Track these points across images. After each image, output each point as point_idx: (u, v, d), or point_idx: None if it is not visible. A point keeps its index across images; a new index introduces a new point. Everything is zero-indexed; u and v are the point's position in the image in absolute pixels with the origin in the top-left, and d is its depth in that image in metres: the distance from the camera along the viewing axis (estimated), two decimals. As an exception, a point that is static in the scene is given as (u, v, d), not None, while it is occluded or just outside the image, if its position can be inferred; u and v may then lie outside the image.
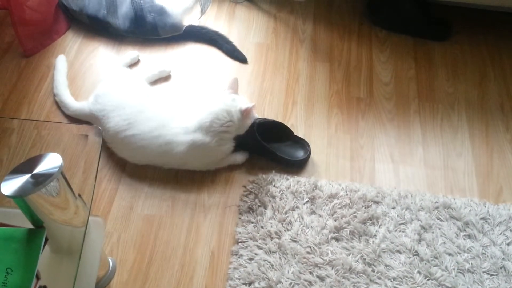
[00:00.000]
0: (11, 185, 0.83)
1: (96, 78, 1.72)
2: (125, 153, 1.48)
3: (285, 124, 1.60)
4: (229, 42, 1.87)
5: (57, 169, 0.85)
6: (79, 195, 0.93)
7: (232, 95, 1.51)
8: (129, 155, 1.48)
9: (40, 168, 0.85)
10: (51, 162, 0.86)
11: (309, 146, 1.55)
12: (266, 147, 1.50)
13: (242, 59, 1.84)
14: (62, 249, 0.96)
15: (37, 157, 0.86)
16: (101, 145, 1.49)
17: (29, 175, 0.84)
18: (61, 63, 1.73)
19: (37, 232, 0.91)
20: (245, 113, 1.46)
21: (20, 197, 0.83)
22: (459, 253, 1.32)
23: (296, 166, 1.52)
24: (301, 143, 1.56)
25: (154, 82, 1.72)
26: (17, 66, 1.76)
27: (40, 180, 0.83)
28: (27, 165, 0.85)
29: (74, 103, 1.59)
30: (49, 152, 0.87)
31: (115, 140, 1.46)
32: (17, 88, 1.70)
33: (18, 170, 0.85)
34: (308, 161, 1.54)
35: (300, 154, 1.54)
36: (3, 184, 0.83)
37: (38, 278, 0.90)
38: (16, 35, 1.75)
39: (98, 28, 1.85)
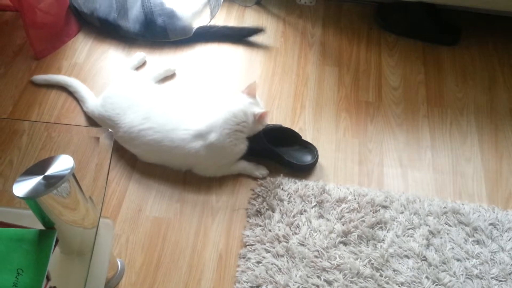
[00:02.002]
0: (23, 187, 0.84)
1: (106, 80, 1.74)
2: (138, 148, 1.48)
3: (294, 128, 1.60)
4: (241, 29, 1.90)
5: (69, 171, 0.85)
6: (90, 197, 0.93)
7: (250, 98, 1.52)
8: (142, 150, 1.48)
9: (52, 170, 0.86)
10: (62, 164, 0.87)
11: (317, 151, 1.55)
12: (274, 151, 1.50)
13: (259, 30, 1.91)
14: (73, 250, 0.97)
15: (49, 159, 0.87)
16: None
17: (41, 176, 0.85)
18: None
19: (48, 233, 0.92)
20: (258, 118, 1.46)
21: (32, 198, 0.84)
22: (468, 259, 1.32)
23: (304, 171, 1.52)
24: (309, 148, 1.56)
25: (160, 81, 1.74)
26: (28, 68, 1.78)
27: (52, 182, 0.84)
28: (39, 167, 0.86)
29: (90, 101, 1.60)
30: (61, 154, 0.88)
31: (130, 135, 1.46)
32: (28, 90, 1.71)
33: (30, 172, 0.86)
34: (315, 165, 1.54)
35: (308, 158, 1.54)
36: (15, 185, 0.84)
37: (48, 279, 0.90)
38: (27, 38, 1.77)
39: (109, 31, 1.87)
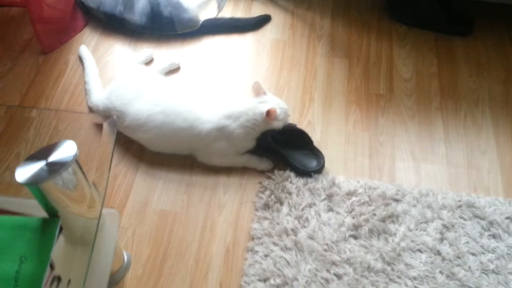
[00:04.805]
0: (26, 172, 0.82)
1: (113, 75, 1.72)
2: (147, 134, 1.46)
3: (302, 121, 1.57)
4: (248, 19, 1.90)
5: (72, 157, 0.83)
6: (94, 184, 0.91)
7: (264, 96, 1.49)
8: (152, 135, 1.46)
9: (55, 156, 0.84)
10: (66, 150, 0.85)
11: (323, 160, 1.48)
12: (278, 151, 1.46)
13: (267, 19, 1.93)
14: (76, 239, 0.95)
15: (52, 145, 0.85)
16: (116, 139, 1.49)
17: (44, 162, 0.83)
18: (85, 52, 1.75)
19: (51, 221, 0.90)
20: (267, 116, 1.42)
21: (34, 184, 0.82)
22: (483, 253, 1.28)
23: (306, 176, 1.45)
24: (317, 155, 1.50)
25: (165, 75, 1.72)
26: (35, 63, 1.77)
27: (55, 168, 0.82)
28: (42, 153, 0.84)
29: (95, 95, 1.59)
30: (65, 140, 0.86)
31: (138, 122, 1.45)
32: (34, 84, 1.70)
33: (33, 158, 0.84)
34: (320, 173, 1.47)
35: (312, 164, 1.48)
36: (17, 171, 0.82)
37: (52, 267, 0.88)
38: (34, 33, 1.76)
39: (115, 24, 1.85)
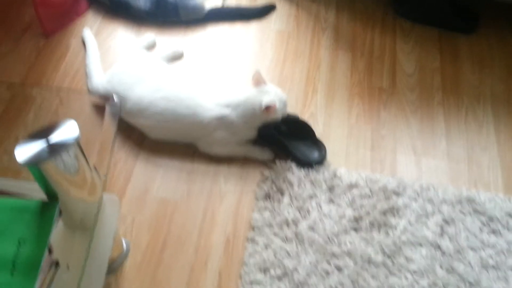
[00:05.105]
0: (25, 152, 0.80)
1: (115, 59, 1.69)
2: (148, 119, 1.44)
3: (305, 113, 1.56)
4: (252, 8, 1.90)
5: (74, 139, 0.82)
6: (95, 167, 0.90)
7: (264, 86, 1.45)
8: (152, 121, 1.44)
9: (56, 136, 0.82)
10: (67, 131, 0.83)
11: (325, 151, 1.48)
12: (280, 141, 1.45)
13: (271, 8, 1.92)
14: (76, 223, 0.94)
15: (53, 124, 0.84)
16: (118, 124, 1.47)
17: (45, 142, 0.81)
18: (88, 35, 1.73)
19: (50, 205, 0.89)
20: (265, 110, 1.39)
21: (34, 165, 0.80)
22: (483, 249, 1.27)
23: (307, 167, 1.44)
24: (319, 146, 1.49)
25: (168, 62, 1.70)
26: (35, 46, 1.74)
27: (56, 148, 0.81)
28: (43, 132, 0.83)
29: (96, 79, 1.57)
30: (66, 120, 0.85)
31: (139, 106, 1.43)
32: (35, 68, 1.68)
33: (33, 137, 0.82)
34: (321, 164, 1.46)
35: (314, 155, 1.47)
36: (17, 149, 0.80)
37: (50, 251, 0.87)
38: (36, 15, 1.73)
39: (118, 9, 1.83)
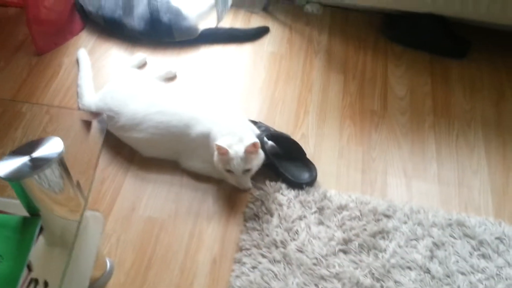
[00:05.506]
0: (7, 167, 0.79)
1: (107, 79, 1.70)
2: (141, 133, 1.43)
3: (296, 134, 1.56)
4: (246, 30, 1.91)
5: (57, 154, 0.81)
6: (78, 183, 0.89)
7: (240, 133, 1.37)
8: (145, 135, 1.43)
9: (39, 152, 0.82)
10: (51, 146, 0.83)
11: (316, 172, 1.47)
12: (271, 161, 1.44)
13: (266, 30, 1.94)
14: (56, 240, 0.92)
15: (38, 140, 0.83)
16: (106, 142, 1.46)
17: (28, 158, 0.81)
18: (83, 55, 1.74)
19: (31, 221, 0.87)
20: (218, 148, 1.34)
21: (15, 180, 0.79)
22: (473, 273, 1.26)
23: (297, 188, 1.43)
24: (309, 167, 1.49)
25: (162, 82, 1.71)
26: (28, 64, 1.75)
27: (38, 164, 0.80)
28: (27, 148, 0.82)
29: (87, 98, 1.57)
30: (51, 136, 0.84)
31: (133, 122, 1.44)
32: (26, 85, 1.68)
33: (17, 152, 0.82)
34: (311, 185, 1.44)
35: (305, 176, 1.46)
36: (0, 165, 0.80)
37: (30, 269, 0.85)
38: (30, 33, 1.75)
39: (113, 29, 1.85)
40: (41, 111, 1.48)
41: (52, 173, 0.81)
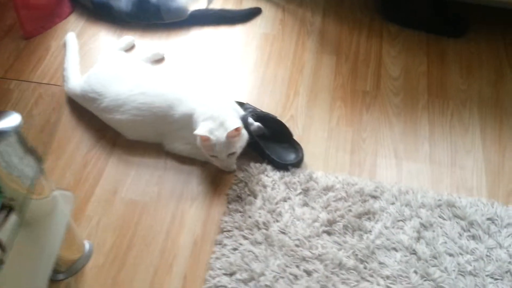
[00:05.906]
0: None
1: (95, 62, 1.68)
2: (125, 114, 1.41)
3: (285, 115, 1.53)
4: (237, 11, 1.88)
5: (13, 127, 0.79)
6: (40, 158, 0.87)
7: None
8: (129, 116, 1.41)
9: (-5, 126, 0.80)
10: (8, 120, 0.81)
11: (302, 154, 1.43)
12: (257, 142, 1.41)
13: (257, 11, 1.91)
14: (21, 218, 0.90)
15: (-5, 114, 0.81)
16: (90, 128, 1.45)
17: (-17, 131, 0.79)
18: (71, 39, 1.71)
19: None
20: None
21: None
22: (461, 254, 1.21)
23: (283, 169, 1.40)
24: (296, 148, 1.45)
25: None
26: (16, 48, 1.74)
27: (-7, 138, 0.78)
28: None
29: (73, 81, 1.56)
30: (9, 111, 0.82)
31: (117, 102, 1.42)
32: (13, 69, 1.67)
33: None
34: (297, 167, 1.41)
35: (291, 157, 1.43)
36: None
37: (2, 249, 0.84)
38: (17, 18, 1.73)
39: (101, 13, 1.82)
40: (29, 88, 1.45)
41: (9, 146, 0.79)
